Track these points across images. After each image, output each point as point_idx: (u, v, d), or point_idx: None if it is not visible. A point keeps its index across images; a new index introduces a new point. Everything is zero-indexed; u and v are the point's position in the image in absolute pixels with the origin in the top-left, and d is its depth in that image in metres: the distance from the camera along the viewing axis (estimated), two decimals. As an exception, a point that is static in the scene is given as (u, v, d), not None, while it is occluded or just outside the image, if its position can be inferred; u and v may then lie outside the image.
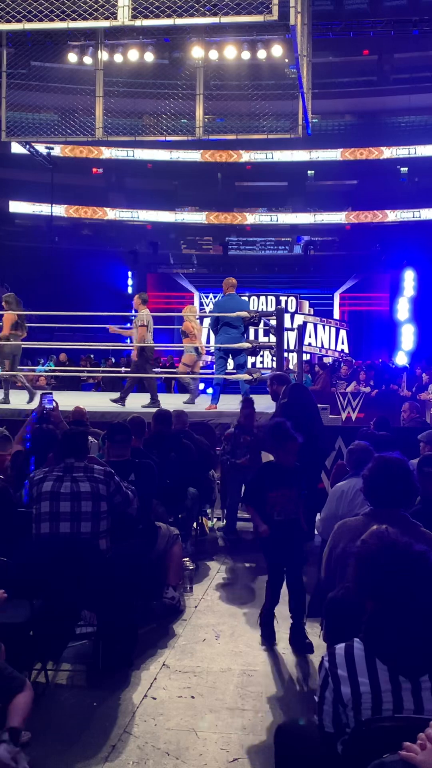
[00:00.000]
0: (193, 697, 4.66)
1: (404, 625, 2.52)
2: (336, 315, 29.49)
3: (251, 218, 37.08)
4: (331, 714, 2.58)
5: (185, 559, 6.95)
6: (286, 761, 2.85)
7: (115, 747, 4.03)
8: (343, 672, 2.54)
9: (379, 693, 2.48)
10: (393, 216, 35.07)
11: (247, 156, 35.39)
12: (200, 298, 30.02)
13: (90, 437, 7.42)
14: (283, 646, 5.51)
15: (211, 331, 11.31)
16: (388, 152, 35.24)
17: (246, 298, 11.35)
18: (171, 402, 11.44)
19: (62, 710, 4.50)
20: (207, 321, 25.20)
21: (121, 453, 6.08)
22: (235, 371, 11.00)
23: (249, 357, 11.05)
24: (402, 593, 2.53)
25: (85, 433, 5.51)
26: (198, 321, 13.11)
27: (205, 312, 28.09)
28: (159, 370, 16.50)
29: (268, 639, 5.58)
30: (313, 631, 5.43)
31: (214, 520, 9.33)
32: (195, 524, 8.09)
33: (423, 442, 6.79)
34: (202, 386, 17.91)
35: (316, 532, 5.83)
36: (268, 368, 19.44)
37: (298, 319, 26.12)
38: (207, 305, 29.03)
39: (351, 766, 2.48)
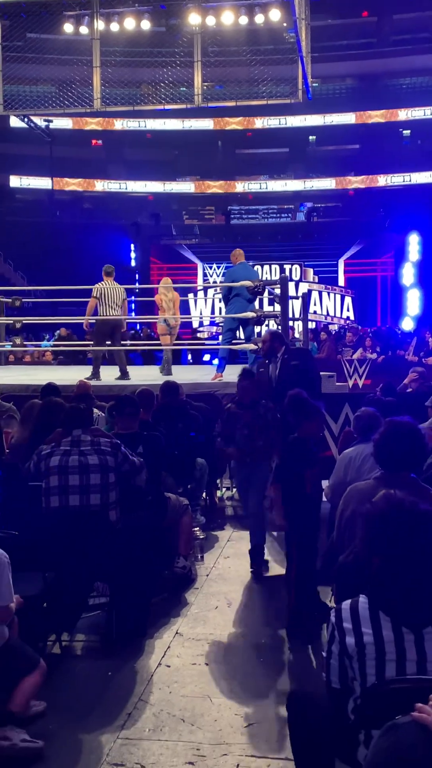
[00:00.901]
0: (206, 664, 4.71)
1: (407, 579, 2.58)
2: (341, 282, 29.37)
3: (240, 186, 36.74)
4: (338, 668, 2.65)
5: (195, 529, 6.99)
6: (299, 726, 2.88)
7: (131, 715, 4.08)
8: (348, 624, 2.62)
9: (382, 644, 2.54)
10: (383, 181, 34.76)
11: (260, 122, 35.01)
12: (204, 269, 29.91)
13: (96, 410, 7.45)
14: (295, 612, 5.54)
15: (223, 302, 11.20)
16: (403, 114, 34.85)
17: (248, 264, 11.26)
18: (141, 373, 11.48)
19: (77, 680, 4.55)
20: (211, 292, 25.09)
21: (129, 425, 6.08)
22: (242, 341, 10.99)
23: (255, 327, 11.03)
24: (406, 549, 2.59)
25: (90, 405, 5.51)
26: (174, 293, 12.92)
27: (209, 283, 28.02)
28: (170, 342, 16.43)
29: (303, 639, 5.10)
30: (325, 596, 5.45)
31: (224, 489, 9.36)
32: (204, 494, 8.11)
33: (431, 407, 6.78)
34: (207, 357, 17.95)
35: (324, 498, 5.82)
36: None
37: (303, 287, 26.04)
38: (211, 276, 28.91)
39: (363, 728, 2.51)
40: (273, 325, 11.40)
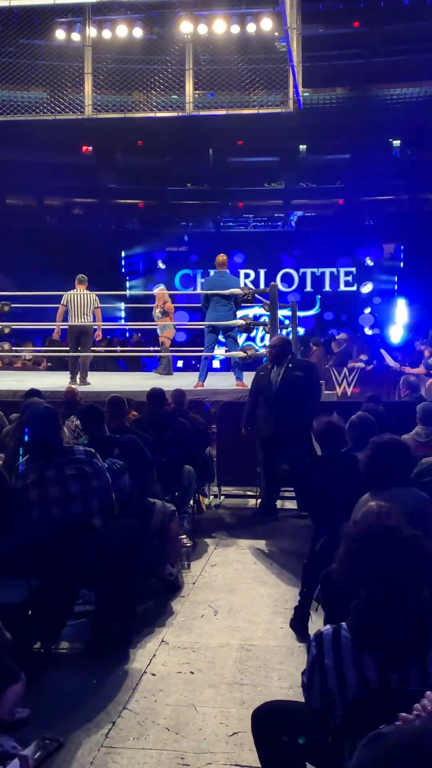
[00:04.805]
0: (192, 672, 4.69)
1: (393, 614, 2.48)
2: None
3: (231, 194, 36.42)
4: (319, 693, 2.60)
5: (182, 536, 6.98)
6: (266, 745, 2.81)
7: (115, 723, 4.06)
8: (330, 662, 2.54)
9: (366, 684, 2.49)
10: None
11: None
12: (197, 276, 30.06)
13: (73, 417, 7.50)
14: (281, 620, 5.54)
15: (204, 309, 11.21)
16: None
17: (227, 273, 11.09)
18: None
19: (62, 688, 4.52)
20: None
21: (99, 431, 6.00)
22: (227, 348, 10.99)
23: (243, 333, 11.09)
24: (390, 580, 2.50)
25: (56, 413, 5.37)
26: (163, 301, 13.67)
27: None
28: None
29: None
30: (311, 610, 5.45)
31: (211, 497, 9.35)
32: (192, 501, 8.10)
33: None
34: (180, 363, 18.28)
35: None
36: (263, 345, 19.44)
37: (292, 296, 26.11)
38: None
39: (347, 739, 2.50)
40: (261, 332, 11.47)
